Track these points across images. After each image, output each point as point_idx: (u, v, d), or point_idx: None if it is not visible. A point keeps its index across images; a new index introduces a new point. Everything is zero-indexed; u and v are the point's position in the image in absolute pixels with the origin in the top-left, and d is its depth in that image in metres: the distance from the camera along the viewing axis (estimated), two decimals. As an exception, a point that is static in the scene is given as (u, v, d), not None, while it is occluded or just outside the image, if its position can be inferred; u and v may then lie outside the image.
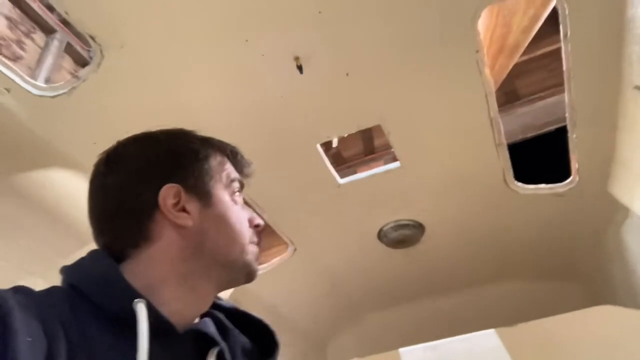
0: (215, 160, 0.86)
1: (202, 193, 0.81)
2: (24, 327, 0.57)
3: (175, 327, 0.71)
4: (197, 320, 0.80)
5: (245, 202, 1.00)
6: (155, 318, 0.67)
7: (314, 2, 1.20)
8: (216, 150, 0.88)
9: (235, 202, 0.85)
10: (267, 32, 1.26)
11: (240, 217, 0.84)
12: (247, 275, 0.83)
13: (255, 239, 0.85)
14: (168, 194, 0.78)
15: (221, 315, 0.85)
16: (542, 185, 1.83)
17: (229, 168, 0.88)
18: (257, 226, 0.87)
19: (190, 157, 0.83)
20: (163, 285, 0.74)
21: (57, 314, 0.63)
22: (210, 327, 0.79)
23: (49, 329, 0.61)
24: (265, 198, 1.79)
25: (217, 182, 0.84)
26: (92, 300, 0.68)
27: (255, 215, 0.88)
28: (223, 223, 0.81)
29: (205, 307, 0.80)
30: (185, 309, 0.75)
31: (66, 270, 0.74)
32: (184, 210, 0.78)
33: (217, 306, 0.87)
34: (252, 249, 0.83)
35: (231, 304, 0.90)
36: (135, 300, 0.66)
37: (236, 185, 0.87)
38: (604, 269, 2.02)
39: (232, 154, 0.90)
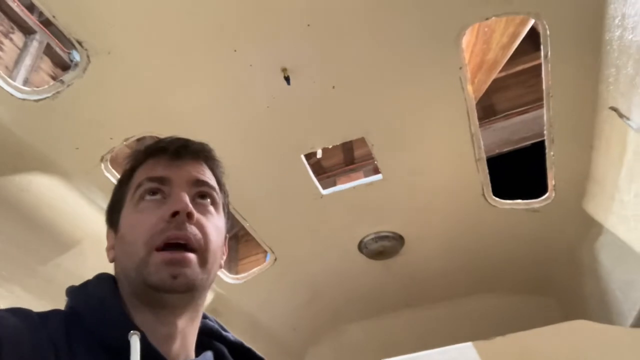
0: (131, 178, 0.81)
1: (115, 224, 0.80)
2: (15, 351, 0.58)
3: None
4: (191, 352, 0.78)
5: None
6: (149, 351, 0.66)
7: (303, 15, 1.21)
8: (135, 161, 0.83)
9: (139, 210, 0.76)
10: (256, 43, 1.26)
11: (137, 222, 0.74)
12: (155, 289, 0.70)
13: (166, 235, 0.71)
14: (107, 237, 0.82)
15: (224, 349, 0.84)
16: (519, 201, 1.87)
17: (138, 173, 0.81)
18: (174, 214, 0.72)
19: (116, 191, 0.85)
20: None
21: (52, 339, 0.64)
22: None
23: (41, 354, 0.61)
24: (248, 206, 1.79)
25: (128, 202, 0.79)
26: (88, 327, 0.68)
27: (176, 201, 0.73)
28: (123, 241, 0.76)
29: (184, 339, 0.76)
30: (167, 340, 0.73)
31: (70, 293, 0.75)
32: (112, 247, 0.80)
33: (222, 339, 0.86)
34: (154, 260, 0.70)
35: (236, 339, 0.88)
36: (130, 332, 0.66)
37: (143, 189, 0.77)
38: (578, 284, 2.06)
39: (151, 151, 0.83)
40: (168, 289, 0.70)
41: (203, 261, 0.73)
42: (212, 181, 0.83)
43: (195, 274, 0.71)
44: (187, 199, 0.74)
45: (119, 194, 0.82)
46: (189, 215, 0.72)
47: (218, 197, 0.82)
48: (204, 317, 0.85)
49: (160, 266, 0.69)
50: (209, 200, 0.80)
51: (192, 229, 0.73)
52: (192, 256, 0.71)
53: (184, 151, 0.81)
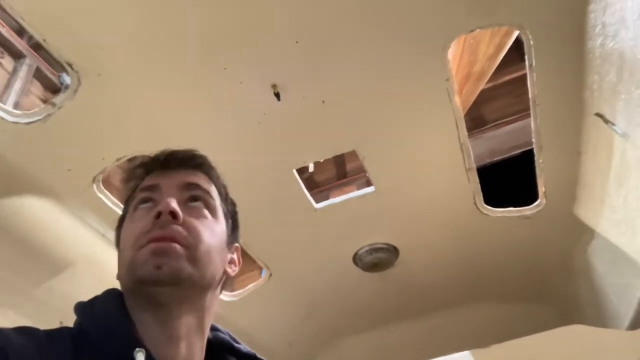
0: (133, 197, 0.83)
1: (118, 241, 0.82)
2: None
3: None
4: None
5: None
6: None
7: (291, 32, 1.23)
8: (135, 180, 0.85)
9: (133, 219, 0.78)
10: (246, 60, 1.28)
11: (128, 230, 0.77)
12: (142, 282, 0.70)
13: (150, 234, 0.71)
14: None
15: None
16: (511, 209, 1.88)
17: (138, 189, 0.84)
18: (158, 215, 0.72)
19: (122, 212, 0.86)
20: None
21: (59, 358, 0.64)
22: None
23: None
24: (241, 222, 1.78)
25: (127, 217, 0.81)
26: (95, 344, 0.68)
27: (162, 203, 0.74)
28: (119, 251, 0.78)
29: (190, 348, 0.75)
30: (172, 353, 0.72)
31: (78, 309, 0.74)
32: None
33: (234, 351, 0.84)
34: (140, 254, 0.71)
35: (249, 351, 0.86)
36: (136, 350, 0.65)
37: (137, 199, 0.80)
38: (572, 289, 2.07)
39: (146, 166, 0.86)
40: (154, 280, 0.69)
41: (192, 257, 0.71)
42: (205, 185, 0.83)
43: (181, 264, 0.70)
44: (173, 201, 0.74)
45: (122, 212, 0.85)
46: (173, 215, 0.72)
47: (213, 200, 0.82)
48: (216, 329, 0.84)
49: (146, 257, 0.69)
50: (201, 203, 0.79)
51: (178, 228, 0.72)
52: (178, 247, 0.70)
53: (172, 159, 0.84)
